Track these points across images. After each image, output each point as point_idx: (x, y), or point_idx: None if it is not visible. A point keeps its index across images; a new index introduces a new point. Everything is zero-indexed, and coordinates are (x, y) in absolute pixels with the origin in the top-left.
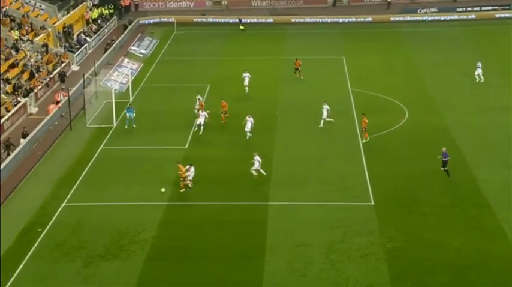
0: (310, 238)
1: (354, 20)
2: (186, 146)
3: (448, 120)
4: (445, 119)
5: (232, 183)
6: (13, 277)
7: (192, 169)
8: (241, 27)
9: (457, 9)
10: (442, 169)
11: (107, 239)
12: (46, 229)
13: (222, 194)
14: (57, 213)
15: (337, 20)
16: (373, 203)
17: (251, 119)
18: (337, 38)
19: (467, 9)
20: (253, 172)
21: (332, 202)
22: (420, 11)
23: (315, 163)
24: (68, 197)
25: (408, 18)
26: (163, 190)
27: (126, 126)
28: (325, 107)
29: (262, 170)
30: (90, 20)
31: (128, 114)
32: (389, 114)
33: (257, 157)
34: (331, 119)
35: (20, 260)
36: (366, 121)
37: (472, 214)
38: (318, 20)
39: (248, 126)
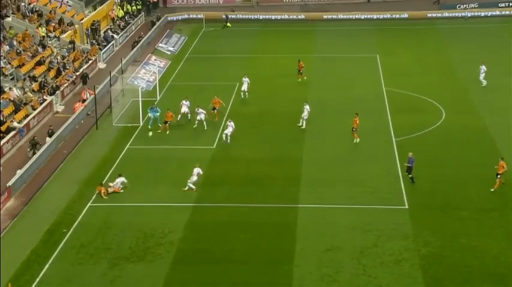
0: (341, 242)
1: (389, 16)
2: (214, 146)
3: (487, 121)
4: (484, 119)
5: (260, 184)
6: (38, 278)
7: (121, 179)
8: (228, 24)
9: (499, 5)
10: (409, 175)
11: (133, 241)
12: (71, 230)
13: (250, 196)
14: (82, 213)
15: (372, 16)
16: (407, 206)
17: (232, 123)
18: (371, 35)
19: (510, 4)
20: (191, 185)
21: (364, 204)
22: (459, 6)
23: (346, 164)
24: (93, 198)
25: (446, 14)
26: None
27: (149, 127)
28: (306, 107)
29: (193, 185)
30: (116, 18)
31: (150, 115)
32: (425, 115)
33: (197, 170)
34: (303, 126)
35: (45, 261)
36: (358, 122)
37: None
38: (351, 16)
39: (229, 131)
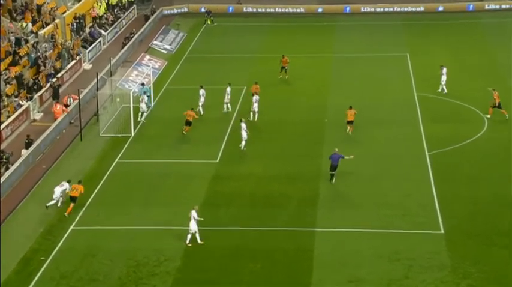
0: (366, 272)
1: (421, 9)
2: (217, 160)
3: None
4: None
5: (272, 204)
6: None
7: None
8: (209, 21)
9: None
10: (330, 172)
11: (123, 271)
12: (50, 258)
13: (259, 218)
14: (63, 238)
15: (401, 9)
16: (443, 231)
17: (243, 125)
18: (400, 31)
19: None
20: (190, 234)
21: (392, 229)
22: None
23: (371, 181)
24: (76, 220)
25: (491, 6)
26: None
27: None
28: (201, 91)
29: (198, 236)
30: (98, 17)
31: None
32: (464, 124)
33: (194, 213)
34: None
35: None
36: (354, 113)
37: None
38: (377, 9)
39: (244, 136)
